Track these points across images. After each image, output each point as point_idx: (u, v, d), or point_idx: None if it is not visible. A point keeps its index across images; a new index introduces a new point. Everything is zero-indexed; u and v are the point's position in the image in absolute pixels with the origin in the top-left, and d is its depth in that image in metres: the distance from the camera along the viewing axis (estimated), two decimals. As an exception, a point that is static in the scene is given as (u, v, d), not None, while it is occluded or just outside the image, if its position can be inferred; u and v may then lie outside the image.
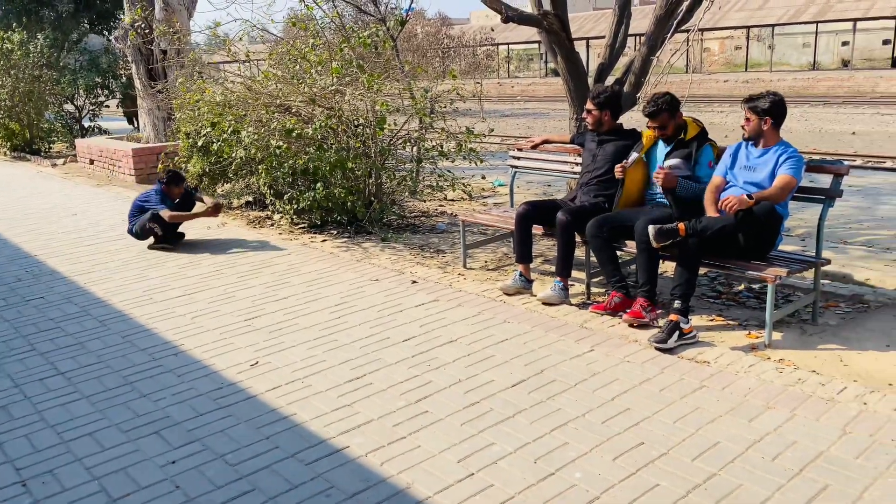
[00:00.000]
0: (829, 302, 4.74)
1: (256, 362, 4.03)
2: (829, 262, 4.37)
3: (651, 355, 3.92)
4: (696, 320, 4.51)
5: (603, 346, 4.07)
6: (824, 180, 4.32)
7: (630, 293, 4.53)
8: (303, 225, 7.24)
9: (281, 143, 6.29)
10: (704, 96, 34.88)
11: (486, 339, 4.22)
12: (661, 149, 4.74)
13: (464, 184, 7.57)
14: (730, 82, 36.76)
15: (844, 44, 43.14)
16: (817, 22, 37.80)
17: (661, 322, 4.21)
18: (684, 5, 5.75)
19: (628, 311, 4.35)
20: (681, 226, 4.11)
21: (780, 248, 4.43)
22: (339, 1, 7.91)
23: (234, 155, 6.80)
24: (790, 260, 4.24)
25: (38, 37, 15.15)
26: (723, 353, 3.91)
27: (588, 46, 47.96)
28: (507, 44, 47.48)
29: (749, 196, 3.99)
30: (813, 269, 4.31)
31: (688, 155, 4.59)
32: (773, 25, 39.60)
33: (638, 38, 10.47)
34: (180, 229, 6.96)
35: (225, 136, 6.60)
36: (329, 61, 6.51)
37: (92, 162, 12.59)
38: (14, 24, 15.75)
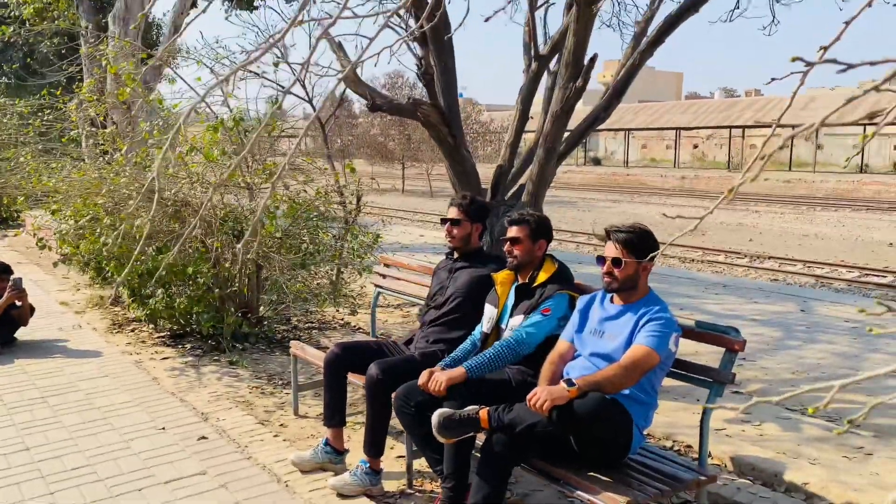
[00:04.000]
0: (738, 523, 3.29)
1: None
2: (711, 478, 2.94)
3: None
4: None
5: (352, 590, 2.71)
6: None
7: (459, 500, 3.04)
8: (163, 333, 6.09)
9: (108, 241, 5.20)
10: (742, 194, 33.32)
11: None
12: (512, 298, 3.46)
13: (353, 296, 6.35)
14: (770, 181, 35.16)
15: (897, 147, 41.29)
16: (865, 124, 36.24)
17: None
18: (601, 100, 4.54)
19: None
20: (482, 413, 2.79)
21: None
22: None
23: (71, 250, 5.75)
24: (654, 472, 2.84)
25: (19, 103, 14.80)
26: None
27: (628, 137, 47.17)
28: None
29: (570, 383, 2.65)
30: (693, 489, 2.90)
31: (532, 307, 3.29)
32: (815, 128, 38.11)
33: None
34: (19, 331, 5.91)
35: (57, 228, 5.56)
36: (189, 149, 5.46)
37: (35, 235, 11.82)
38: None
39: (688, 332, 2.98)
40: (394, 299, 7.42)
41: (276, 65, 6.94)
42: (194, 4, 12.26)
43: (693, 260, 15.16)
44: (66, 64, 14.18)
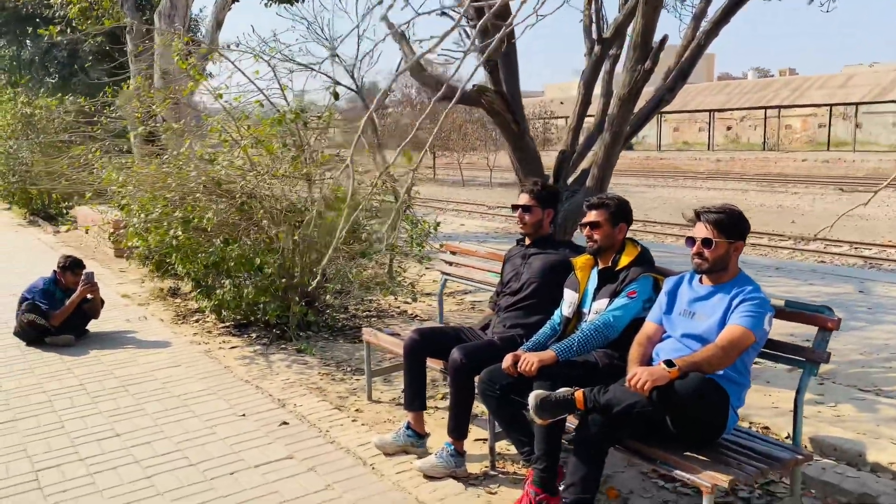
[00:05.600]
0: (827, 500, 3.29)
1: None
2: (807, 457, 2.95)
3: None
4: (623, 520, 3.16)
5: (456, 568, 2.77)
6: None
7: (551, 481, 3.06)
8: (228, 323, 6.22)
9: (179, 234, 5.32)
10: (780, 175, 32.81)
11: (300, 538, 2.99)
12: (594, 282, 3.48)
13: (411, 284, 6.41)
14: (808, 161, 34.55)
15: (939, 124, 40.21)
16: (906, 100, 35.40)
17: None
18: (666, 82, 4.53)
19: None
20: (578, 394, 2.83)
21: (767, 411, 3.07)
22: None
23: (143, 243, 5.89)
24: (749, 452, 2.86)
25: (66, 102, 15.10)
26: None
27: (660, 121, 46.33)
28: (566, 117, 46.57)
29: (669, 364, 2.67)
30: (790, 468, 2.90)
31: (616, 291, 3.31)
32: (856, 104, 37.33)
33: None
34: (90, 323, 6.08)
35: (133, 221, 5.69)
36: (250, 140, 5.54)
37: (87, 231, 12.10)
38: (42, 91, 15.83)
39: (779, 312, 2.98)
40: (451, 287, 7.49)
41: (333, 56, 6.99)
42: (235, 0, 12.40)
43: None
44: (109, 62, 14.43)
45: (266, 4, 13.23)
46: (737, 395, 2.88)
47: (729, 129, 53.90)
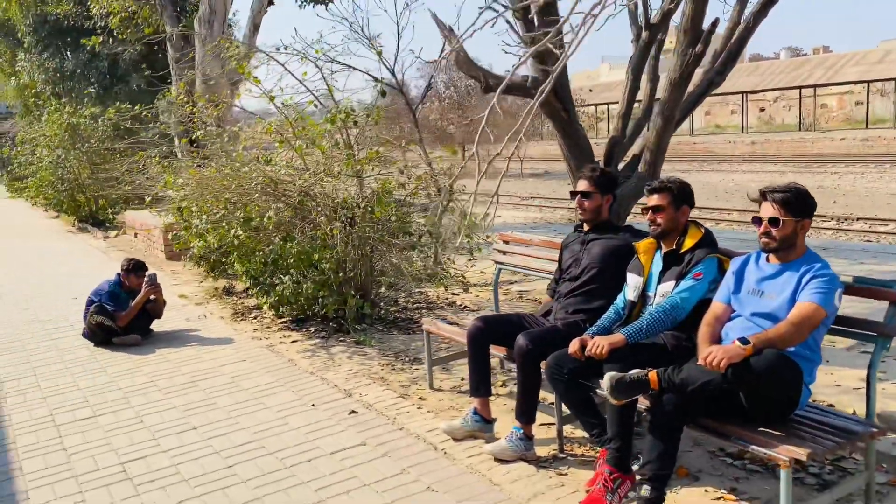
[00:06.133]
0: (898, 476, 3.31)
1: (83, 538, 3.10)
2: (882, 431, 2.98)
3: (601, 568, 2.69)
4: (695, 497, 3.22)
5: (538, 545, 2.86)
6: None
7: (625, 460, 3.13)
8: (286, 318, 6.38)
9: (240, 233, 5.48)
10: (818, 155, 32.22)
11: (384, 520, 3.11)
12: (658, 266, 3.53)
13: (462, 275, 6.50)
14: (846, 140, 33.87)
15: (983, 97, 39.08)
16: (948, 74, 34.44)
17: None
18: (713, 64, 4.55)
19: (584, 495, 3.10)
20: (652, 375, 2.89)
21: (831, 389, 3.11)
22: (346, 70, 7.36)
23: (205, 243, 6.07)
24: (822, 426, 2.90)
25: (110, 111, 15.49)
26: (707, 575, 2.62)
27: (745, 100, 45.21)
28: (596, 104, 46.16)
29: (744, 341, 2.72)
30: (865, 442, 2.93)
31: (681, 273, 3.36)
32: (895, 79, 36.44)
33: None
34: (153, 323, 6.30)
35: (186, 224, 5.88)
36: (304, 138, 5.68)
37: (136, 235, 12.43)
38: (86, 101, 16.24)
39: (848, 289, 3.01)
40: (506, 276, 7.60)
41: (379, 53, 7.10)
42: (271, 2, 12.59)
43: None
44: (149, 70, 14.77)
45: (300, 6, 13.44)
46: (809, 371, 2.92)
47: (762, 110, 53.03)
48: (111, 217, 15.37)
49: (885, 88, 41.95)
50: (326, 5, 12.76)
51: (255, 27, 12.07)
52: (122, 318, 5.94)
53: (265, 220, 5.29)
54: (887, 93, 41.85)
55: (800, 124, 43.57)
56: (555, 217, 17.25)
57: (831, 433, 2.83)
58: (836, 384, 4.35)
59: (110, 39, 13.19)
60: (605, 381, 2.93)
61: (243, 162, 5.81)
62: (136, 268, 6.11)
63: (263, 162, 5.75)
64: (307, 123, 6.04)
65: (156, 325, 6.37)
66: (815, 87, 40.81)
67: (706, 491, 3.28)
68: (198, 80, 11.04)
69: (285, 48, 6.45)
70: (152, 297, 6.08)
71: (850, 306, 3.14)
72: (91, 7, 13.90)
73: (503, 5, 4.86)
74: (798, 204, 2.95)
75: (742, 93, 43.64)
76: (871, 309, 3.20)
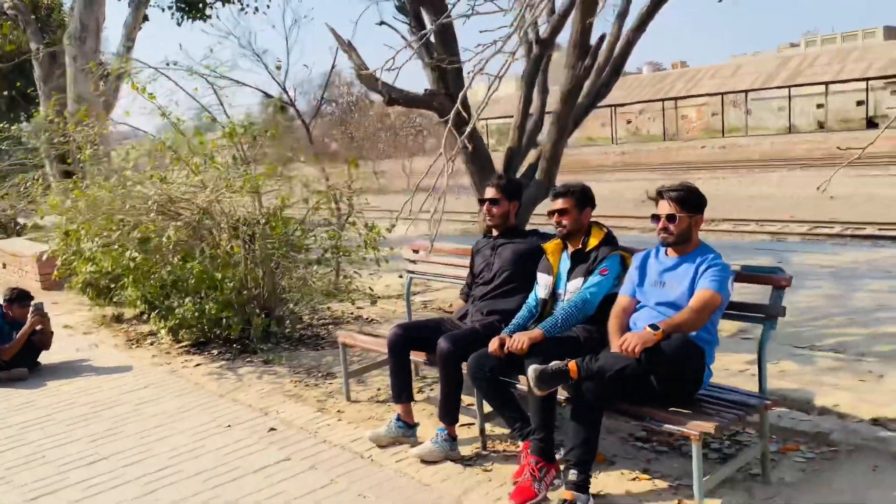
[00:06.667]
0: (787, 444, 3.67)
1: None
2: (775, 402, 3.31)
3: (537, 552, 2.82)
4: (613, 479, 3.43)
5: (474, 537, 2.96)
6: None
7: (549, 449, 3.29)
8: (185, 342, 6.17)
9: (136, 255, 5.28)
10: (683, 163, 34.45)
11: (320, 529, 3.11)
12: (565, 264, 3.74)
13: (369, 287, 6.55)
14: (707, 148, 36.50)
15: (819, 106, 43.24)
16: (789, 87, 37.89)
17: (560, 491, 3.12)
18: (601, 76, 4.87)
19: (513, 487, 3.24)
20: (572, 365, 3.08)
21: (720, 374, 3.41)
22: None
23: (97, 267, 5.79)
24: (724, 402, 3.18)
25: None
26: (635, 547, 2.81)
27: (615, 113, 47.05)
28: (482, 119, 47.29)
29: (654, 327, 2.96)
30: (761, 413, 3.24)
31: (588, 270, 3.59)
32: (745, 91, 39.67)
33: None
34: (42, 354, 5.92)
35: (75, 248, 5.60)
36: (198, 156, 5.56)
37: (4, 266, 11.58)
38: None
39: (738, 276, 3.32)
40: (399, 289, 7.68)
41: (277, 68, 7.04)
42: (146, 18, 12.14)
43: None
44: (8, 89, 13.84)
45: (178, 22, 13.03)
46: (710, 353, 3.20)
47: (629, 122, 56.14)
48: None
49: (737, 100, 45.53)
50: (205, 20, 12.45)
51: (130, 43, 11.60)
52: (7, 351, 5.56)
53: (164, 239, 5.13)
54: (739, 104, 45.44)
55: (664, 134, 46.48)
56: (449, 230, 17.51)
57: (732, 407, 3.12)
58: (725, 368, 4.73)
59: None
60: (530, 372, 3.08)
61: (136, 180, 5.60)
62: (20, 297, 5.75)
63: (158, 180, 5.56)
64: (200, 140, 5.91)
65: (43, 357, 6.00)
66: (675, 99, 43.70)
67: (622, 473, 3.50)
68: (69, 99, 10.48)
69: (174, 63, 6.28)
70: (38, 327, 5.74)
71: (738, 294, 3.47)
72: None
73: (397, 18, 5.00)
74: (691, 201, 3.24)
75: (611, 106, 46.03)
76: (756, 296, 3.54)
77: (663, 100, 43.80)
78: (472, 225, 18.31)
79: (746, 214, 17.11)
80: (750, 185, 23.37)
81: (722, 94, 40.99)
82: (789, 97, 39.88)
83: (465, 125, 5.15)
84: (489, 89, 2.94)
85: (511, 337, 3.43)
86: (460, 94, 3.71)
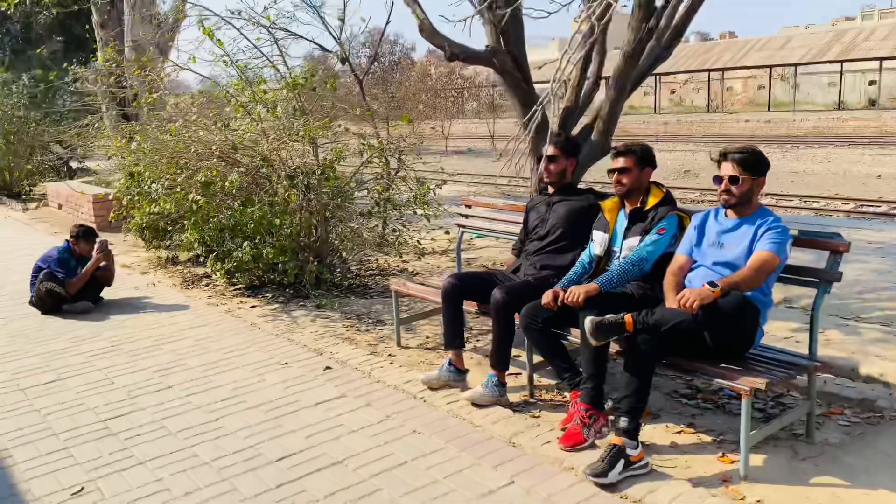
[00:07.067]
0: (831, 408, 3.75)
1: (81, 489, 3.15)
2: (825, 365, 3.39)
3: (587, 493, 2.97)
4: (659, 432, 3.56)
5: (526, 476, 3.11)
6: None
7: (599, 398, 3.42)
8: (239, 285, 6.40)
9: (198, 198, 5.47)
10: (726, 136, 33.83)
11: (379, 460, 3.29)
12: (622, 223, 3.82)
13: (418, 241, 6.68)
14: (751, 122, 35.73)
15: (872, 83, 41.97)
16: (841, 61, 36.77)
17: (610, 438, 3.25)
18: (661, 40, 4.87)
19: (562, 433, 3.38)
20: (628, 318, 3.18)
21: (766, 340, 3.49)
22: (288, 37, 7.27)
23: (161, 208, 6.01)
24: (774, 362, 3.27)
25: (23, 77, 14.72)
26: (681, 493, 2.93)
27: (658, 82, 46.51)
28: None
29: (713, 285, 3.04)
30: (805, 374, 3.33)
31: (645, 229, 3.66)
32: (794, 65, 38.61)
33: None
34: (104, 291, 6.19)
35: (139, 190, 5.80)
36: (259, 104, 5.69)
37: (60, 207, 11.98)
38: (-1, 67, 15.38)
39: (795, 241, 3.37)
40: (445, 245, 7.83)
41: (340, 20, 7.09)
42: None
43: (693, 201, 15.61)
44: (64, 35, 14.10)
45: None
46: (764, 314, 3.28)
47: (673, 92, 55.10)
48: (27, 189, 14.69)
49: (785, 73, 44.38)
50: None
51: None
52: (73, 284, 5.83)
53: (227, 184, 5.30)
54: (787, 78, 44.31)
55: (708, 106, 45.58)
56: (483, 192, 17.57)
57: (782, 367, 3.21)
58: (771, 335, 4.78)
59: (26, 1, 12.51)
60: (587, 323, 3.19)
61: (201, 126, 5.76)
62: (86, 234, 6.00)
63: (222, 126, 5.72)
64: (262, 90, 6.04)
65: (105, 294, 6.28)
66: (722, 70, 42.73)
67: (667, 427, 3.62)
68: (126, 46, 10.68)
69: (239, 13, 6.39)
70: (103, 263, 5.99)
71: (793, 258, 3.53)
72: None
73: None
74: (755, 163, 3.29)
75: (655, 75, 45.18)
76: (810, 260, 3.60)
77: (709, 70, 42.87)
78: (511, 188, 18.35)
79: (790, 190, 16.88)
80: (794, 160, 22.92)
81: (770, 66, 39.97)
82: (841, 72, 38.77)
83: (524, 80, 5.24)
84: (563, 52, 2.96)
85: (565, 290, 3.53)
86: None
